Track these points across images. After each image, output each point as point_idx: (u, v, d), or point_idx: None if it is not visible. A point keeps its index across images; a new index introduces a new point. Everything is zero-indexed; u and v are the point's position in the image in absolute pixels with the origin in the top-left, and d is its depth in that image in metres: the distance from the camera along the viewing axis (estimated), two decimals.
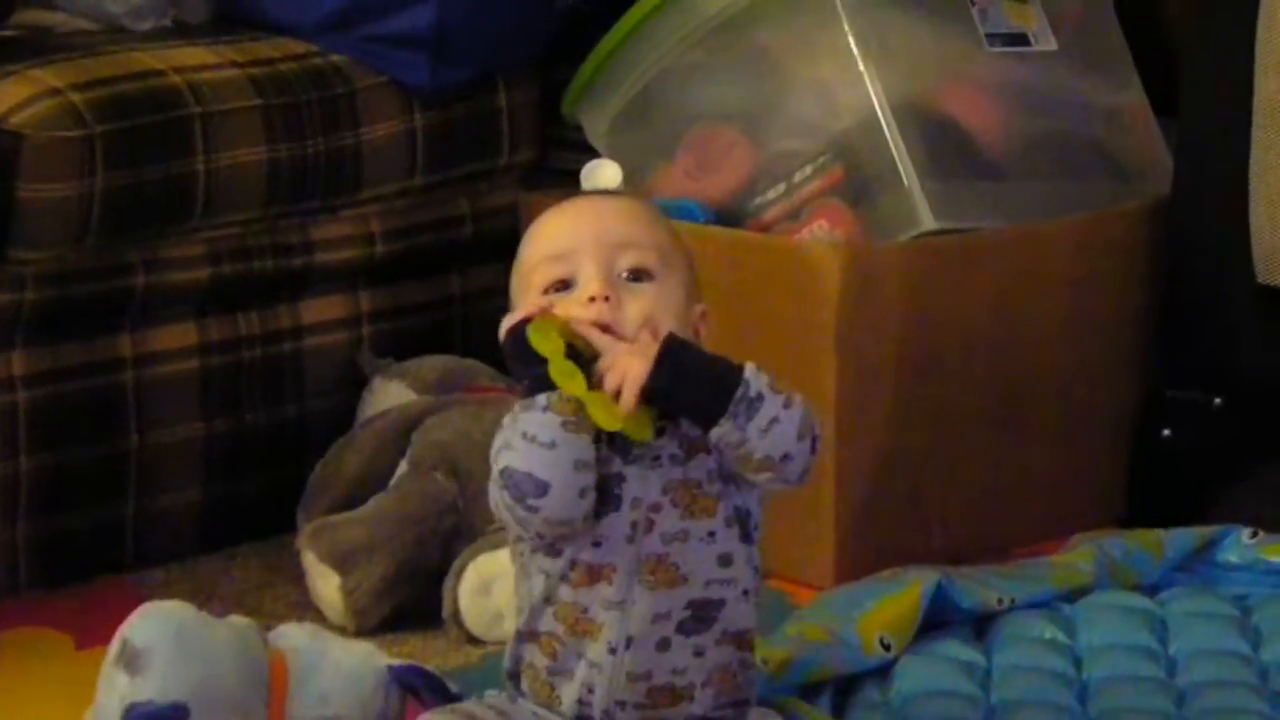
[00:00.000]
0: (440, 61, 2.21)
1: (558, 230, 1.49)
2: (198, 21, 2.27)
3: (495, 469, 1.45)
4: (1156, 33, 2.32)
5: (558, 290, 1.46)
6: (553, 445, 1.41)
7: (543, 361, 1.41)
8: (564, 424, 1.41)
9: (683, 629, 1.47)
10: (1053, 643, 1.81)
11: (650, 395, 1.42)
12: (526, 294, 1.48)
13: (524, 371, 1.43)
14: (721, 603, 1.47)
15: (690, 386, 1.42)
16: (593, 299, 1.44)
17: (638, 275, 1.46)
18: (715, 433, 1.43)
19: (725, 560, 1.47)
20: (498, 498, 1.45)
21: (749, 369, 1.43)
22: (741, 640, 1.49)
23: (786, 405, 1.43)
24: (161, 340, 2.09)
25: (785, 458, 1.44)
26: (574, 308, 1.44)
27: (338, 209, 2.19)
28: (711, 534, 1.46)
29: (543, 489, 1.42)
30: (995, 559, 2.01)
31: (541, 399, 1.41)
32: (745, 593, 1.49)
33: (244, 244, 2.13)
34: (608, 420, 1.41)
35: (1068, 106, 2.19)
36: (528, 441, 1.42)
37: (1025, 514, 2.14)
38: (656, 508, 1.46)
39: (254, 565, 2.10)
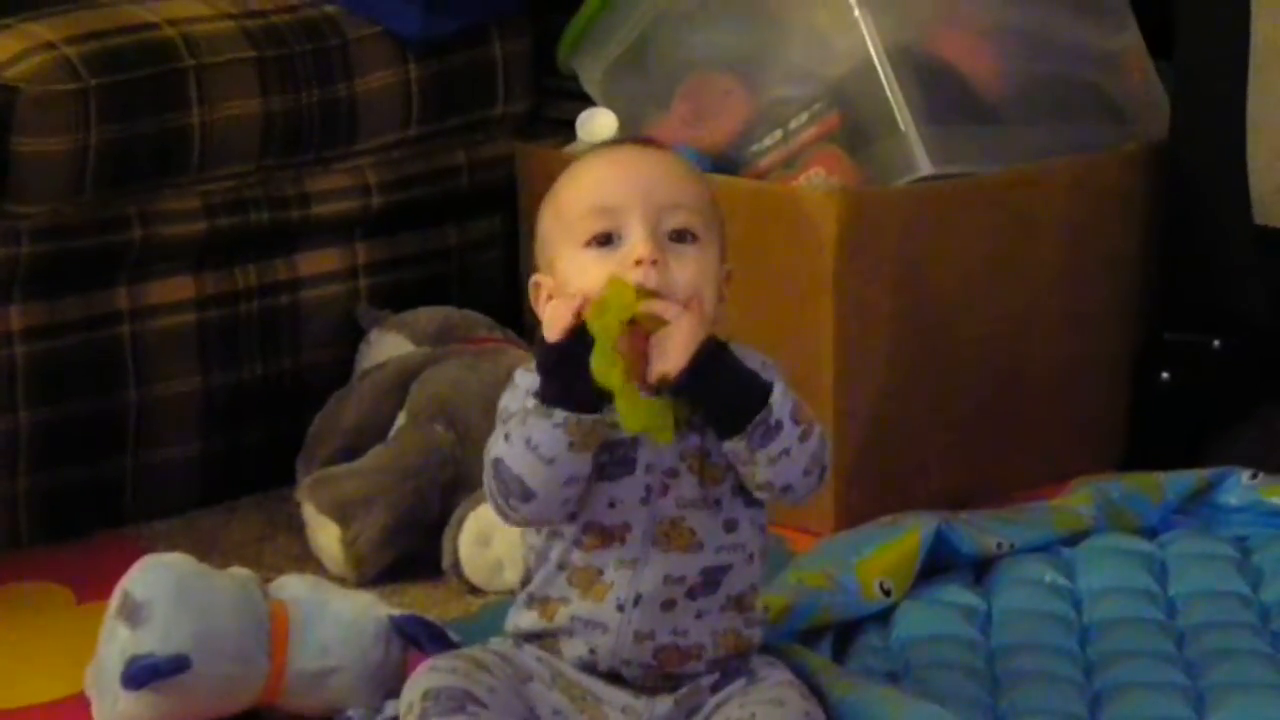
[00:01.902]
0: (433, 11, 2.20)
1: (605, 182, 1.48)
2: None
3: (489, 456, 1.45)
4: None
5: (600, 245, 1.45)
6: (552, 462, 1.42)
7: (585, 343, 1.39)
8: (570, 444, 1.42)
9: (691, 594, 1.47)
10: (1053, 586, 1.81)
11: (678, 391, 1.41)
12: (566, 242, 1.46)
13: (560, 348, 1.41)
14: (729, 567, 1.48)
15: (717, 396, 1.43)
16: (639, 261, 1.43)
17: (682, 236, 1.46)
18: (727, 444, 1.44)
19: (731, 526, 1.48)
20: (485, 481, 1.46)
21: (777, 392, 1.43)
22: (743, 602, 1.50)
23: (802, 439, 1.43)
24: (158, 294, 2.09)
25: (787, 488, 1.45)
26: (618, 267, 1.43)
27: (333, 161, 2.19)
28: (718, 501, 1.47)
29: (529, 496, 1.44)
30: (994, 504, 2.02)
31: (559, 414, 1.41)
32: (751, 556, 1.50)
33: (240, 196, 2.13)
34: (632, 421, 1.40)
35: (1064, 50, 2.18)
36: (529, 449, 1.42)
37: (1024, 458, 2.14)
38: (673, 473, 1.46)
39: (253, 518, 2.10)
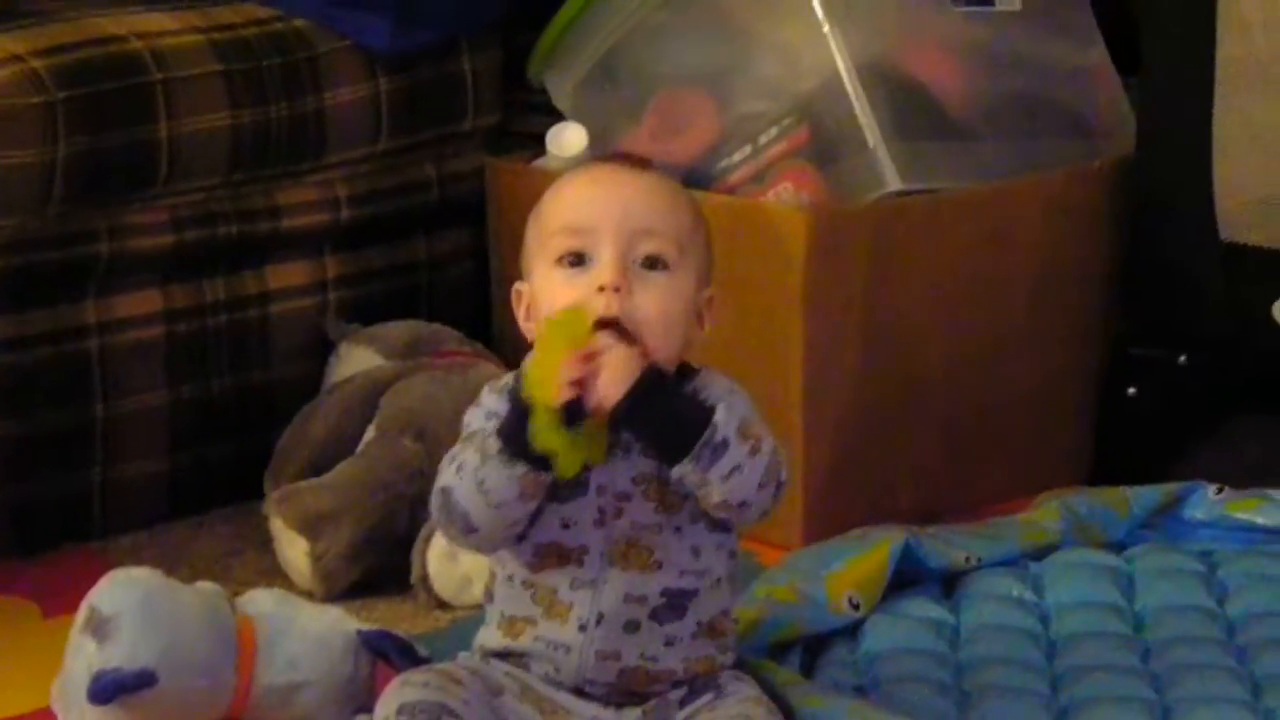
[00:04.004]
0: (403, 25, 2.20)
1: (582, 203, 1.48)
2: None
3: (438, 481, 1.46)
4: None
5: (571, 264, 1.45)
6: (499, 506, 1.43)
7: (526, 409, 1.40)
8: (521, 494, 1.43)
9: (656, 616, 1.47)
10: (1020, 600, 1.81)
11: (616, 423, 1.42)
12: (541, 257, 1.47)
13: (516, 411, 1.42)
14: (695, 592, 1.48)
15: (657, 423, 1.42)
16: (603, 288, 1.43)
17: (653, 263, 1.46)
18: (676, 470, 1.43)
19: (695, 551, 1.48)
20: (431, 501, 1.47)
21: (720, 412, 1.42)
22: (715, 628, 1.50)
23: (752, 453, 1.43)
24: (126, 307, 2.08)
25: (743, 504, 1.45)
26: (585, 292, 1.44)
27: (302, 174, 2.18)
28: (678, 528, 1.47)
29: (473, 529, 1.45)
30: (963, 518, 2.02)
31: (520, 468, 1.41)
32: (718, 581, 1.50)
33: (208, 210, 2.12)
34: (569, 469, 1.41)
35: (1032, 66, 2.19)
36: (479, 490, 1.43)
37: (992, 473, 2.15)
38: (625, 496, 1.46)
39: (221, 532, 2.09)
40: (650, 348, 1.43)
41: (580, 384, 1.40)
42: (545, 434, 1.41)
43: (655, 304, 1.44)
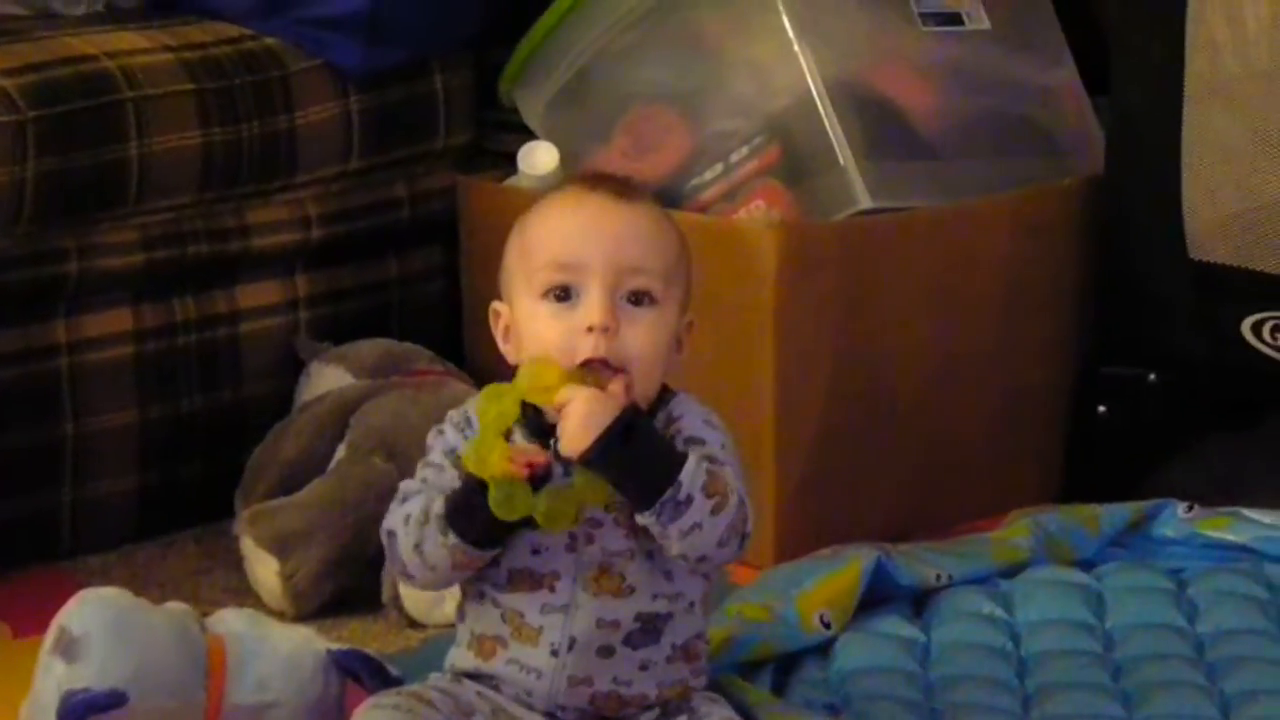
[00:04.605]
0: (374, 44, 2.20)
1: (571, 235, 1.46)
2: (130, 6, 2.26)
3: (387, 522, 1.47)
4: (1088, 11, 2.33)
5: (557, 299, 1.45)
6: (434, 569, 1.45)
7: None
8: (454, 565, 1.44)
9: (630, 641, 1.47)
10: (991, 618, 1.82)
11: (587, 463, 1.41)
12: (526, 288, 1.46)
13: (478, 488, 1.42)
14: (669, 616, 1.48)
15: (624, 471, 1.42)
16: (591, 329, 1.43)
17: (639, 299, 1.45)
18: (638, 518, 1.43)
19: (668, 575, 1.48)
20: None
21: (688, 467, 1.41)
22: (689, 651, 1.50)
23: (715, 511, 1.42)
24: (96, 326, 2.08)
25: (701, 559, 1.44)
26: (571, 330, 1.43)
27: (273, 193, 2.18)
28: (650, 553, 1.47)
29: (409, 577, 1.47)
30: (934, 536, 2.02)
31: (453, 538, 1.42)
32: (692, 604, 1.49)
33: (179, 229, 2.12)
34: (553, 523, 1.42)
35: (1001, 85, 2.19)
36: (416, 551, 1.44)
37: (963, 491, 2.15)
38: (597, 523, 1.46)
39: (192, 551, 2.09)
40: (634, 384, 1.43)
41: (520, 460, 1.39)
42: (508, 504, 1.41)
43: (642, 341, 1.44)
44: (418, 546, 1.44)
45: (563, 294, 1.45)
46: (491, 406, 1.42)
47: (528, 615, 1.47)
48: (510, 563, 1.47)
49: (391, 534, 1.47)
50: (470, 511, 1.42)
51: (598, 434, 1.39)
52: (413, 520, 1.45)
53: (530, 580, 1.47)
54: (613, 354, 1.43)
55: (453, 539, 1.42)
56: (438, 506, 1.43)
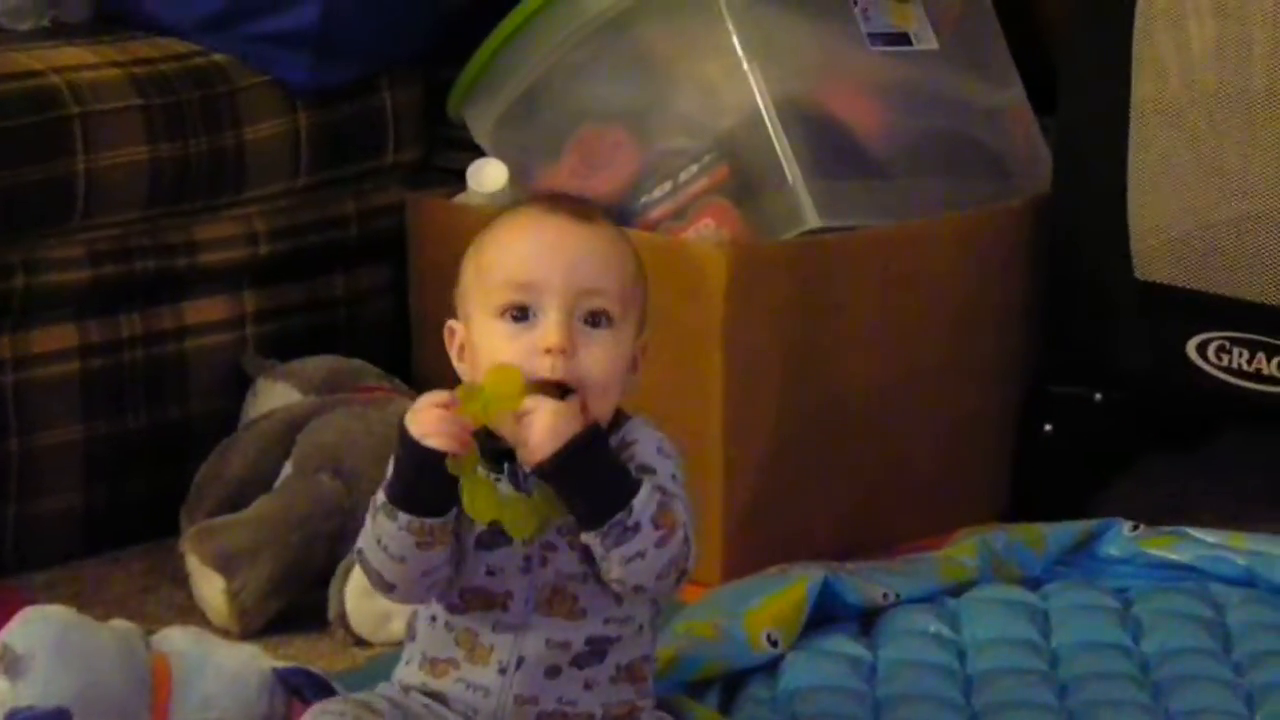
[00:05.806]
0: (323, 60, 2.20)
1: (528, 258, 1.46)
2: (78, 21, 2.25)
3: (358, 543, 1.46)
4: (1036, 33, 2.34)
5: (514, 319, 1.45)
6: (403, 560, 1.44)
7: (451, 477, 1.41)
8: (417, 544, 1.43)
9: (576, 662, 1.47)
10: (937, 637, 1.82)
11: (544, 475, 1.41)
12: (483, 307, 1.46)
13: (421, 451, 1.41)
14: (618, 639, 1.48)
15: (580, 486, 1.42)
16: (549, 351, 1.43)
17: (597, 320, 1.45)
18: (584, 536, 1.43)
19: (619, 599, 1.48)
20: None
21: (641, 495, 1.41)
22: (634, 672, 1.50)
23: (660, 544, 1.42)
24: (42, 342, 2.06)
25: (638, 588, 1.45)
26: (528, 351, 1.43)
27: (221, 209, 2.18)
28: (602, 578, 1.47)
29: (390, 587, 1.46)
30: (881, 554, 2.03)
31: (404, 518, 1.42)
32: (641, 627, 1.50)
33: (126, 244, 2.11)
34: (520, 531, 1.42)
35: (949, 105, 2.20)
36: (380, 547, 1.44)
37: (911, 510, 2.16)
38: (551, 546, 1.46)
39: (137, 569, 2.08)
40: (591, 405, 1.43)
41: (460, 436, 1.39)
42: (480, 504, 1.41)
43: (598, 363, 1.44)
44: (379, 541, 1.43)
45: (520, 314, 1.45)
46: (467, 407, 1.41)
47: (481, 635, 1.47)
48: (465, 583, 1.47)
49: (360, 551, 1.46)
50: (408, 484, 1.41)
51: (560, 445, 1.40)
52: (369, 525, 1.45)
53: (484, 599, 1.47)
54: (570, 375, 1.43)
55: (403, 517, 1.42)
56: (380, 497, 1.43)
